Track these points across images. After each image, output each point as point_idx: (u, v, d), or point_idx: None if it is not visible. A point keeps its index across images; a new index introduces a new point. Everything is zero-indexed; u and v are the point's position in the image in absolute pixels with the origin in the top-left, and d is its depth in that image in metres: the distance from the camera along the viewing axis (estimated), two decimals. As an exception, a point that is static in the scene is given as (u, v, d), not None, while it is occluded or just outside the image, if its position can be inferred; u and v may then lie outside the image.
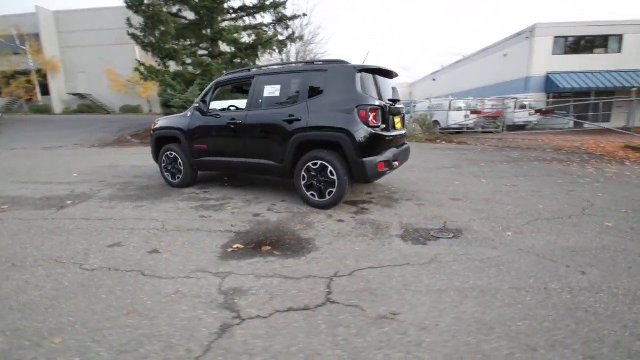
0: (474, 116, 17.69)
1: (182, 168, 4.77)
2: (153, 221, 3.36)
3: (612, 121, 19.74)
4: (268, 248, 2.71)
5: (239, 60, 17.06)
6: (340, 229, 3.10)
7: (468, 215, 3.49)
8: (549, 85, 21.51)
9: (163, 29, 14.53)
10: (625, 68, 19.88)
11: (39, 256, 2.54)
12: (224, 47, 17.93)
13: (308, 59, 25.54)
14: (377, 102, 3.51)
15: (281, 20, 17.23)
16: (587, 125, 18.83)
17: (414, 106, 21.75)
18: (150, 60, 16.68)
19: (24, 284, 2.12)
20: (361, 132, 3.39)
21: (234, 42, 16.12)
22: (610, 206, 3.76)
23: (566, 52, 21.39)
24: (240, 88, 5.01)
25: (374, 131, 3.43)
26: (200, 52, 16.71)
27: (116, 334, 1.63)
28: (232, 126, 4.12)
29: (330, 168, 3.56)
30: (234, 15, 17.44)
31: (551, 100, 20.29)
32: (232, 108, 4.79)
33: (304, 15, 17.44)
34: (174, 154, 4.77)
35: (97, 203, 4.09)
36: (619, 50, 20.51)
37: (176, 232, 3.05)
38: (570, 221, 3.27)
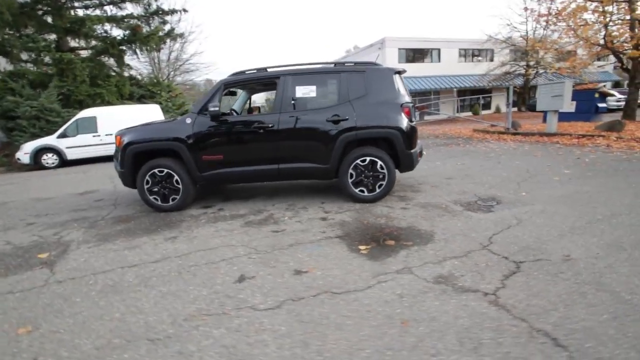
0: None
1: (180, 187, 3.92)
2: (232, 247, 2.79)
3: (441, 113, 26.43)
4: (392, 242, 2.78)
5: (106, 58, 14.10)
6: (419, 214, 3.42)
7: (476, 188, 4.40)
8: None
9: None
10: (444, 74, 26.89)
11: (165, 319, 1.83)
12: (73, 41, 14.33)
13: (184, 57, 23.19)
14: (410, 99, 3.96)
15: (156, 13, 15.12)
16: (427, 117, 24.71)
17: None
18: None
19: (238, 343, 1.58)
20: (408, 128, 3.77)
21: (100, 37, 13.16)
22: (537, 168, 5.44)
23: (407, 61, 27.05)
24: (231, 91, 4.47)
25: (413, 125, 3.87)
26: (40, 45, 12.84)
27: (435, 338, 1.55)
28: (261, 131, 3.74)
29: (380, 163, 3.78)
30: (86, 2, 14.14)
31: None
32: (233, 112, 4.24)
33: (184, 10, 15.80)
34: (165, 170, 3.87)
35: (98, 247, 2.98)
36: (439, 60, 27.50)
37: (281, 251, 2.68)
38: (534, 180, 4.62)
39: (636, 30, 10.14)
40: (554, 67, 20.64)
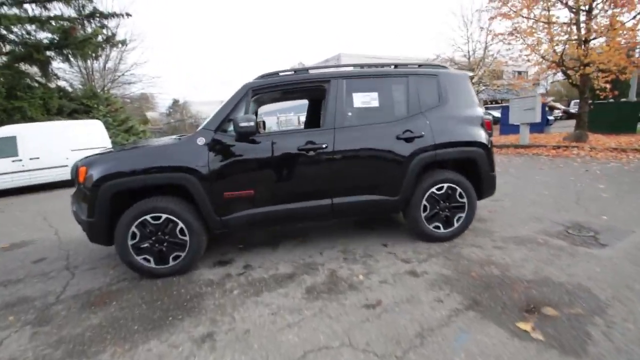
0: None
1: (186, 239, 2.64)
2: (330, 351, 1.67)
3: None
4: (553, 311, 1.93)
5: (27, 66, 11.58)
6: (528, 257, 2.64)
7: (540, 211, 3.81)
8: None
9: None
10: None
11: None
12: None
13: (122, 68, 20.45)
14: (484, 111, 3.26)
15: (92, 16, 12.99)
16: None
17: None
18: None
19: None
20: (490, 145, 3.04)
21: (21, 41, 10.68)
22: (564, 182, 5.13)
23: (363, 77, 27.57)
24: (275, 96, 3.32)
25: (492, 142, 3.16)
26: None
27: None
28: (311, 153, 2.68)
29: (459, 190, 2.97)
30: (-3, -2, 11.55)
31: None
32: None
33: (127, 15, 13.79)
34: (164, 217, 2.58)
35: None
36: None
37: (416, 351, 1.65)
38: (586, 197, 4.21)
39: (582, 48, 11.11)
40: (496, 84, 22.64)
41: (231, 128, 2.69)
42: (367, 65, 3.32)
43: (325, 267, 2.69)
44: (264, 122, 4.57)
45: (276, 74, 2.88)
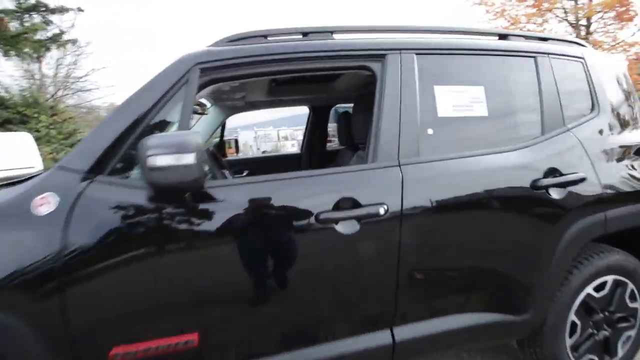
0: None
1: None
2: None
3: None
4: None
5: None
6: None
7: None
8: (335, 116, 26.20)
9: None
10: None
11: None
12: None
13: (77, 74, 18.05)
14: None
15: (34, 9, 10.97)
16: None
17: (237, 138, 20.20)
18: None
19: None
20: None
21: None
22: None
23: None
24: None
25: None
26: None
27: None
28: (350, 227, 1.07)
29: (631, 287, 1.47)
30: None
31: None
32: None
33: (79, 10, 11.81)
34: None
35: None
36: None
37: None
38: None
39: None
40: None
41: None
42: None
43: None
44: (236, 142, 2.83)
45: (262, 36, 1.25)
